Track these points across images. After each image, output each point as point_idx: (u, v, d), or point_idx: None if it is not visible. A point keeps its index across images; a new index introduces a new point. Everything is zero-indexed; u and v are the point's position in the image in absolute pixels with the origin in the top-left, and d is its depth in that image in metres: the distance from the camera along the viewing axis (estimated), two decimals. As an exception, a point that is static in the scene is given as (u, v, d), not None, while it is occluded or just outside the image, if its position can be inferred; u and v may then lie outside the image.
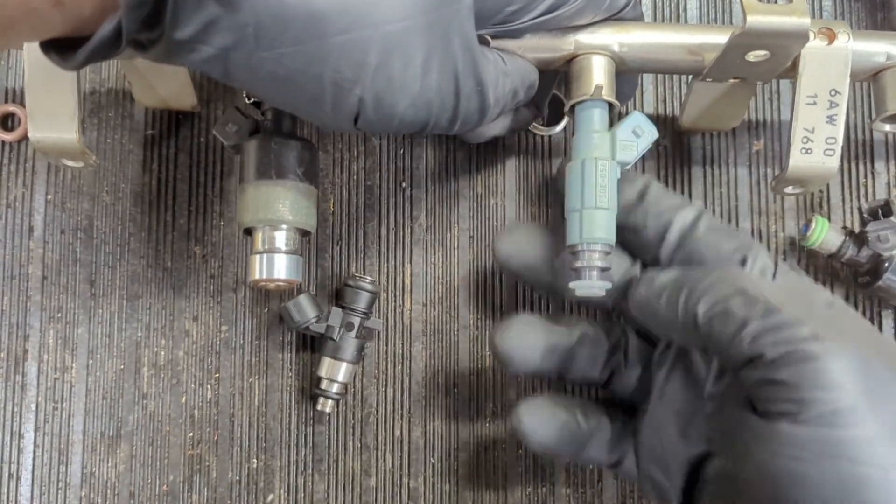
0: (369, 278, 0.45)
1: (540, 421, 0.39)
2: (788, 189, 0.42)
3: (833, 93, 0.39)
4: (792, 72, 0.39)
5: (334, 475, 0.45)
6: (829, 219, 0.46)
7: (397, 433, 0.46)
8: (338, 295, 0.46)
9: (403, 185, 0.47)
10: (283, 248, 0.40)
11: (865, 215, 0.43)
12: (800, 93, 0.39)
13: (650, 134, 0.38)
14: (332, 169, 0.47)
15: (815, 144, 0.39)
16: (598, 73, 0.38)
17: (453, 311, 0.46)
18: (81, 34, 0.27)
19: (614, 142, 0.38)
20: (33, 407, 0.45)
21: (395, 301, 0.46)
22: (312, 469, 0.45)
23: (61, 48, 0.28)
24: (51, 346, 0.46)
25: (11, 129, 0.47)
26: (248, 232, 0.41)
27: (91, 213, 0.46)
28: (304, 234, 0.42)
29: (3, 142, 0.47)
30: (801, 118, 0.39)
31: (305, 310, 0.43)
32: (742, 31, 0.34)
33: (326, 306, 0.45)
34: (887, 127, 0.42)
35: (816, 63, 0.39)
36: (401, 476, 0.45)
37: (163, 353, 0.46)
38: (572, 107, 0.39)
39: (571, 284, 0.38)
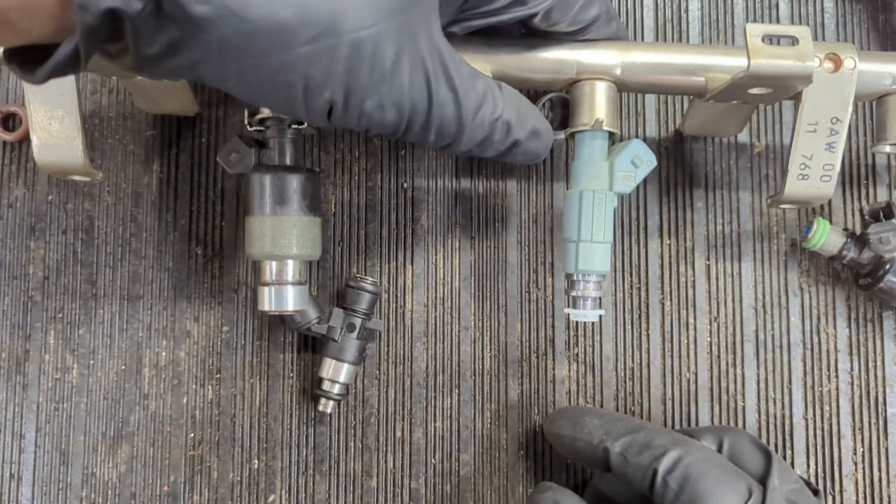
0: (371, 279, 0.45)
1: None
2: (785, 205, 0.42)
3: (834, 120, 0.39)
4: (795, 98, 0.39)
5: (335, 476, 0.45)
6: (830, 221, 0.46)
7: (398, 434, 0.46)
8: (339, 296, 0.46)
9: (405, 185, 0.47)
10: (290, 279, 0.40)
11: (867, 217, 0.43)
12: (801, 120, 0.39)
13: (649, 163, 0.39)
14: (334, 170, 0.47)
15: (812, 171, 0.39)
16: (600, 101, 0.39)
17: (455, 311, 0.46)
18: (45, 43, 0.27)
19: (613, 172, 0.38)
20: (34, 407, 0.45)
21: (396, 302, 0.46)
22: (314, 470, 0.45)
23: (24, 60, 0.27)
24: (52, 347, 0.46)
25: (13, 130, 0.46)
26: (256, 261, 0.42)
27: (92, 214, 0.46)
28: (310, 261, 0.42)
29: (5, 142, 0.47)
30: (801, 145, 0.39)
31: (307, 310, 0.43)
32: (745, 74, 0.34)
33: (328, 307, 0.45)
34: (887, 149, 0.41)
35: (820, 92, 0.38)
36: (402, 477, 0.45)
37: (164, 353, 0.46)
38: (572, 133, 0.40)
39: (566, 311, 0.39)
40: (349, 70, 0.30)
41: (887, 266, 0.42)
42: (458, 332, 0.46)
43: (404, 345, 0.46)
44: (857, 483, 0.45)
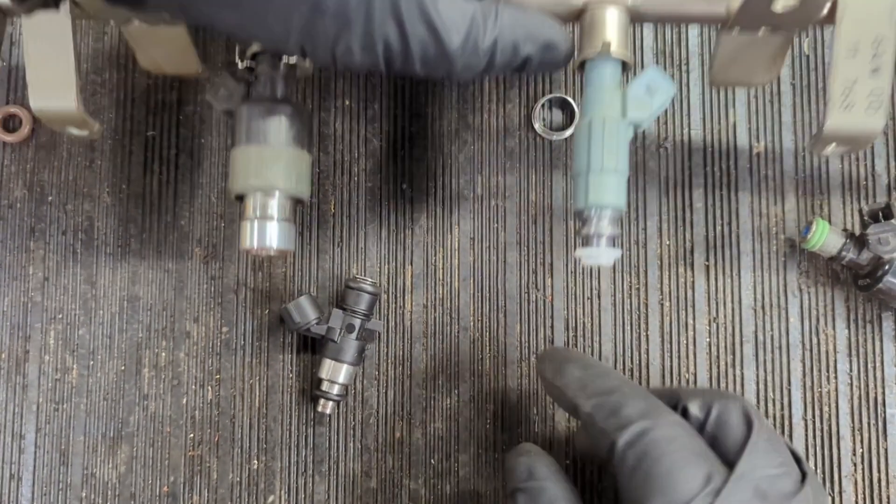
0: (370, 280, 0.45)
1: None
2: (829, 149, 0.37)
3: (877, 39, 0.34)
4: (830, 19, 0.35)
5: (335, 477, 0.45)
6: (829, 221, 0.46)
7: (398, 435, 0.46)
8: (339, 297, 0.46)
9: (404, 186, 0.47)
10: (276, 215, 0.39)
11: (866, 218, 0.43)
12: (839, 43, 0.34)
13: (665, 91, 0.35)
14: (333, 171, 0.47)
15: (857, 98, 0.34)
16: (610, 28, 0.36)
17: (454, 312, 0.46)
18: None
19: (625, 100, 0.35)
20: (34, 408, 0.45)
21: (395, 303, 0.46)
22: (313, 470, 0.45)
23: None
24: (52, 348, 0.46)
25: (13, 131, 0.47)
26: (240, 198, 0.40)
27: (92, 215, 0.47)
28: (298, 202, 0.40)
29: (5, 143, 0.47)
30: (841, 72, 0.34)
31: (306, 311, 0.43)
32: None
33: (327, 308, 0.45)
34: None
35: (858, 6, 0.34)
36: (401, 477, 0.45)
37: (163, 354, 0.46)
38: (582, 63, 0.36)
39: (577, 252, 0.36)
40: (308, 26, 0.30)
41: (886, 267, 0.42)
42: (458, 332, 0.46)
43: (403, 345, 0.46)
44: (856, 484, 0.45)
